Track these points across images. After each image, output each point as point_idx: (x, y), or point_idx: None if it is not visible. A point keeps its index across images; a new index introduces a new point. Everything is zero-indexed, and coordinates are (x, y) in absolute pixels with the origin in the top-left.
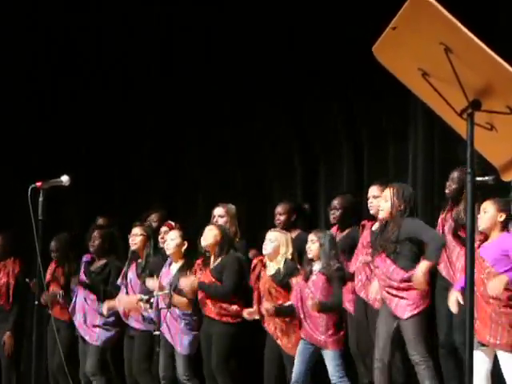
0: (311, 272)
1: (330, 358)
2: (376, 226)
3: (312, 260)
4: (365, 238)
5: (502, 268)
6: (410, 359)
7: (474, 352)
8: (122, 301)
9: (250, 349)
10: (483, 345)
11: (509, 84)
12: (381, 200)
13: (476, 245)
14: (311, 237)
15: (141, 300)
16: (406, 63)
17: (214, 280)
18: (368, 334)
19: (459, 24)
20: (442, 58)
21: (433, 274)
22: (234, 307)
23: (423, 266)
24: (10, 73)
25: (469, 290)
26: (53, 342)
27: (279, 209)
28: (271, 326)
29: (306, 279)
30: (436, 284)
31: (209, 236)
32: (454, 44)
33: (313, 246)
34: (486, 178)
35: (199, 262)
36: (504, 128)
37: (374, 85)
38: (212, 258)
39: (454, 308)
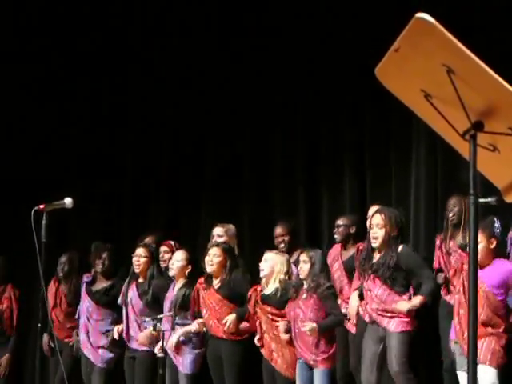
0: (298, 291)
1: (319, 377)
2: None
3: (302, 280)
4: None
5: (501, 294)
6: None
7: (460, 373)
8: (141, 340)
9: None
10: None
11: (511, 105)
12: (374, 227)
13: (467, 267)
14: (303, 257)
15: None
16: (409, 85)
17: (220, 297)
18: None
19: (462, 46)
20: (445, 79)
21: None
22: (242, 324)
23: (418, 300)
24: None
25: (472, 314)
26: (55, 362)
27: (279, 230)
28: (266, 350)
29: (294, 298)
30: (439, 309)
31: (215, 261)
32: (456, 66)
33: (305, 266)
34: (489, 199)
35: (201, 281)
36: (507, 149)
37: (378, 107)
38: (215, 278)
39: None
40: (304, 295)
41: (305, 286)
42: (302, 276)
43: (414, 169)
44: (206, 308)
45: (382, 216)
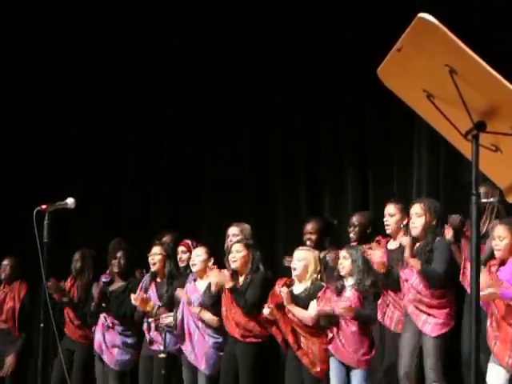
0: (343, 287)
1: (358, 379)
2: (392, 243)
3: (343, 276)
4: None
5: None
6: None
7: (492, 365)
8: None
9: (275, 367)
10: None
11: None
12: (413, 216)
13: (494, 269)
14: (343, 253)
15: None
16: (411, 85)
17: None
18: (381, 357)
19: (464, 46)
20: (447, 79)
21: (461, 295)
22: (258, 328)
23: (416, 263)
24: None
25: (474, 310)
26: (59, 363)
27: (309, 227)
28: (294, 346)
29: (338, 294)
30: (464, 305)
31: (238, 257)
32: (458, 66)
33: (345, 262)
34: (491, 199)
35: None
36: (509, 149)
37: (378, 107)
38: (240, 275)
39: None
40: (348, 292)
41: (349, 283)
42: (342, 272)
43: (416, 169)
44: (226, 306)
45: (420, 205)
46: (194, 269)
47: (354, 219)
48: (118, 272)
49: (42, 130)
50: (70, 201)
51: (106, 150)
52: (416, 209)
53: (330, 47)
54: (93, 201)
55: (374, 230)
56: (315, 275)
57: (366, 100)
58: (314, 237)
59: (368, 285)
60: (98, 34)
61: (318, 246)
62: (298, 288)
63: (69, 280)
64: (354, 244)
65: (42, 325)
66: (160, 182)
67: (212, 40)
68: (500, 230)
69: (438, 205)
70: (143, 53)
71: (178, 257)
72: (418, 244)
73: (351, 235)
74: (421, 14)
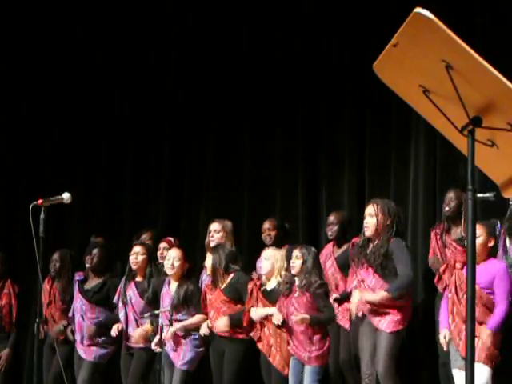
0: (291, 288)
1: (309, 374)
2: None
3: (294, 276)
4: None
5: (491, 292)
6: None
7: (456, 371)
8: (136, 337)
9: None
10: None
11: (510, 101)
12: (367, 217)
13: (459, 266)
14: (296, 252)
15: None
16: (407, 80)
17: (226, 299)
18: None
19: (460, 41)
20: (443, 75)
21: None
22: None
23: (381, 295)
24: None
25: (470, 309)
26: (49, 358)
27: (267, 225)
28: (264, 345)
29: (287, 295)
30: (436, 302)
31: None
32: (455, 61)
33: (297, 262)
34: (487, 194)
35: (208, 283)
36: (505, 145)
37: (378, 105)
38: (220, 278)
39: (444, 347)
40: (297, 293)
41: (297, 283)
42: (293, 271)
43: (413, 165)
44: (214, 310)
45: (374, 206)
46: (169, 272)
47: (332, 218)
48: (90, 269)
49: (43, 130)
50: (66, 195)
51: (105, 150)
52: (369, 209)
53: (329, 47)
54: (93, 200)
55: (351, 229)
56: (283, 272)
57: (366, 100)
58: (273, 233)
59: (316, 286)
60: (97, 33)
61: (277, 242)
62: (270, 284)
63: (46, 281)
64: (331, 243)
65: (37, 319)
66: (160, 181)
67: (212, 40)
68: (476, 228)
69: (393, 205)
70: (143, 53)
71: (159, 253)
72: (371, 245)
73: (329, 233)
74: (417, 9)
